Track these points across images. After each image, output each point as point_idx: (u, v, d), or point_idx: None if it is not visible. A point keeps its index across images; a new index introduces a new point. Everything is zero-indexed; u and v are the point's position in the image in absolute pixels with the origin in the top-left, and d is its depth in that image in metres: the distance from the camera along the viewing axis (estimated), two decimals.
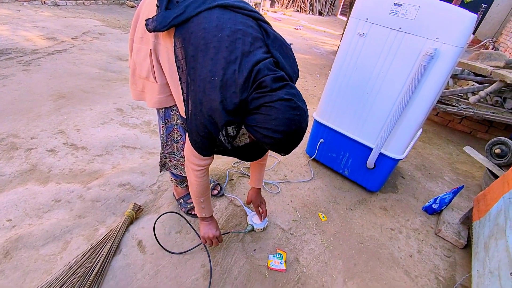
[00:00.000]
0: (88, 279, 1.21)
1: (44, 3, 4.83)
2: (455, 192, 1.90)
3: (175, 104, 1.21)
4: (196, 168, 1.09)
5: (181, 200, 1.65)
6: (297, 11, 11.73)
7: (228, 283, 1.33)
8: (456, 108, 3.07)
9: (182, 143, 1.36)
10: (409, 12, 1.49)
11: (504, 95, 3.01)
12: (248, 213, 1.65)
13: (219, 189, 1.79)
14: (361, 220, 1.82)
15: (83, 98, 2.47)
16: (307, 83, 4.08)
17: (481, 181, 2.44)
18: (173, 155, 1.42)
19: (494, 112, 3.01)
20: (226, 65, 0.82)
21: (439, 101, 3.23)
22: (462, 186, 1.93)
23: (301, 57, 5.32)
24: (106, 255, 1.32)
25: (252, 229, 1.57)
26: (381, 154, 1.82)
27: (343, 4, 12.59)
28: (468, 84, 3.34)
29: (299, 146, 2.38)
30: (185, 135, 1.33)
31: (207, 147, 0.98)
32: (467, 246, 1.74)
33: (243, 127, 0.94)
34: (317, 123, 2.07)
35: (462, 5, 5.94)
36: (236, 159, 2.12)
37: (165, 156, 1.42)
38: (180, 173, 1.47)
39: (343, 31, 3.67)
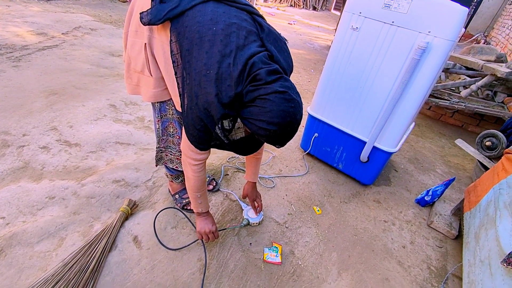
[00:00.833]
0: (84, 275, 1.21)
1: None
2: (447, 184, 1.94)
3: (171, 98, 1.21)
4: (193, 162, 1.09)
5: (177, 196, 1.65)
6: (291, 5, 11.69)
7: (224, 276, 1.34)
8: (448, 102, 3.11)
9: (177, 137, 1.36)
10: (401, 6, 1.50)
11: (495, 88, 3.06)
12: (244, 208, 1.66)
13: (214, 184, 1.79)
14: (355, 213, 1.85)
15: (75, 95, 2.45)
16: (301, 78, 4.08)
17: (472, 173, 2.48)
18: (169, 149, 1.41)
19: (485, 106, 3.05)
20: (221, 58, 0.82)
21: (431, 95, 3.27)
22: (454, 178, 1.96)
23: (295, 52, 5.31)
24: (101, 251, 1.32)
25: (248, 223, 1.58)
26: (374, 148, 1.84)
27: None
28: (460, 78, 3.38)
29: (293, 140, 2.41)
30: (181, 129, 1.33)
31: (203, 140, 0.98)
32: (459, 237, 1.78)
33: (238, 120, 0.94)
34: (312, 118, 2.08)
35: None
36: (231, 154, 2.13)
37: (160, 150, 1.42)
38: (176, 167, 1.47)
39: (337, 25, 3.67)
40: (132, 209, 1.56)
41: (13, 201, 1.49)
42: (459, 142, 2.43)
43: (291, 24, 7.95)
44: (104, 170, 1.79)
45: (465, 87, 3.26)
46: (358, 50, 1.70)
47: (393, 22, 1.54)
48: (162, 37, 1.01)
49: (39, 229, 1.39)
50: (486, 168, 2.15)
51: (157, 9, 0.92)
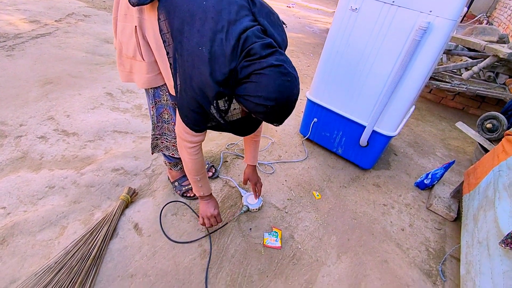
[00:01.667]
0: (86, 262, 1.23)
1: None
2: (447, 167, 1.94)
3: (165, 84, 1.18)
4: (189, 145, 1.08)
5: (176, 183, 1.65)
6: None
7: (225, 261, 1.36)
8: (449, 84, 3.07)
9: (173, 124, 1.35)
10: None
11: (497, 70, 3.01)
12: (243, 194, 1.67)
13: (213, 171, 1.79)
14: (354, 197, 1.85)
15: (71, 83, 2.41)
16: (300, 63, 4.02)
17: (472, 156, 2.48)
18: (165, 136, 1.40)
19: (486, 88, 3.02)
20: (213, 35, 0.80)
21: (432, 78, 3.22)
22: (453, 161, 1.96)
23: (294, 36, 5.21)
24: (103, 239, 1.33)
25: (248, 210, 1.59)
26: (374, 132, 1.83)
27: None
28: (461, 60, 3.32)
29: (292, 126, 2.40)
30: (176, 115, 1.32)
31: (199, 122, 0.96)
32: (457, 219, 1.79)
33: (234, 101, 0.93)
34: (310, 103, 2.06)
35: None
36: (230, 141, 2.12)
37: (156, 137, 1.41)
38: (173, 154, 1.46)
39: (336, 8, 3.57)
40: (132, 197, 1.57)
41: (13, 191, 1.50)
42: (460, 124, 2.41)
43: (289, 7, 7.77)
44: (103, 159, 1.79)
45: (466, 69, 3.20)
46: (357, 32, 1.66)
47: (393, 1, 1.49)
48: (152, 18, 0.98)
49: (40, 218, 1.40)
50: (487, 151, 2.14)
51: None
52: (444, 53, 3.33)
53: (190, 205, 1.59)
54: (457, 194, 1.86)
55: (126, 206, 1.54)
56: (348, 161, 2.14)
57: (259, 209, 1.62)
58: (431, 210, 1.85)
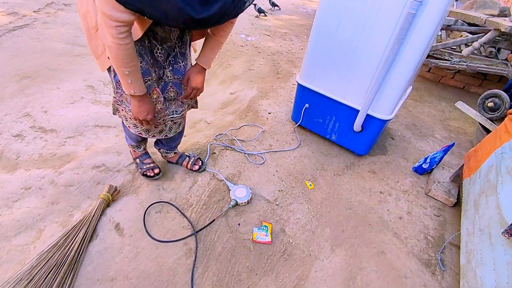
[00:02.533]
0: (63, 267, 1.16)
1: None
2: (446, 150, 1.84)
3: None
4: (111, 23, 0.84)
5: (137, 160, 1.60)
6: None
7: (212, 259, 1.29)
8: (449, 62, 2.93)
9: None
10: None
11: (498, 45, 2.86)
12: (231, 188, 1.58)
13: (200, 164, 1.70)
14: (349, 186, 1.77)
15: (50, 77, 2.29)
16: (293, 46, 3.86)
17: (473, 137, 2.38)
18: (124, 105, 1.28)
19: (488, 64, 2.88)
20: None
21: (430, 56, 3.08)
22: (453, 144, 1.86)
23: (287, 18, 5.01)
24: (81, 241, 1.25)
25: (236, 204, 1.51)
26: (368, 116, 1.72)
27: None
28: (461, 36, 3.17)
29: (285, 113, 2.29)
30: None
31: None
32: (457, 204, 1.71)
33: None
34: (301, 87, 1.94)
35: None
36: (218, 131, 2.02)
37: (117, 102, 1.31)
38: (129, 127, 1.34)
39: None
40: (113, 195, 1.48)
41: None
42: (460, 104, 2.30)
43: None
44: (83, 156, 1.70)
45: (466, 45, 3.05)
46: (348, 8, 1.53)
47: None
48: None
49: (16, 222, 1.32)
50: (488, 131, 2.04)
51: None
52: (442, 29, 3.17)
53: (175, 203, 1.51)
54: (457, 178, 1.77)
55: (108, 205, 1.46)
56: (342, 148, 2.04)
57: (248, 203, 1.54)
58: (430, 196, 1.77)
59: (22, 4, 3.50)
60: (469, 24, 2.93)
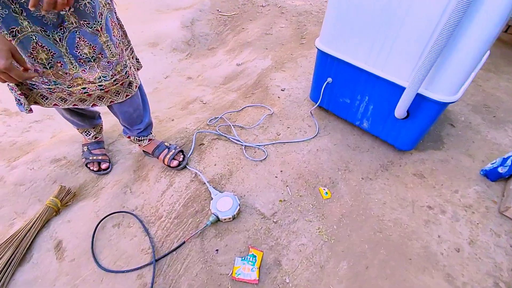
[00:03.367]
0: None
1: None
2: None
3: None
4: None
5: (85, 148, 1.34)
6: None
7: None
8: None
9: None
10: None
11: None
12: (213, 196, 1.17)
13: (180, 159, 1.32)
14: (383, 196, 1.26)
15: None
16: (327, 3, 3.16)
17: None
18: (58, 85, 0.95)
19: None
20: None
21: None
22: None
23: None
24: (5, 265, 0.96)
25: (217, 220, 1.11)
26: (419, 96, 1.16)
27: None
28: None
29: (302, 89, 1.77)
30: None
31: None
32: None
33: None
34: (322, 55, 1.40)
35: None
36: (214, 114, 1.59)
37: None
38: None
39: None
40: (65, 200, 1.17)
41: None
42: None
43: None
44: (42, 147, 1.40)
45: None
46: None
47: None
48: None
49: None
50: None
51: None
52: None
53: (139, 215, 1.15)
54: None
55: (57, 213, 1.16)
56: (377, 139, 1.50)
57: (233, 218, 1.13)
58: (507, 217, 1.20)
59: None
60: None
